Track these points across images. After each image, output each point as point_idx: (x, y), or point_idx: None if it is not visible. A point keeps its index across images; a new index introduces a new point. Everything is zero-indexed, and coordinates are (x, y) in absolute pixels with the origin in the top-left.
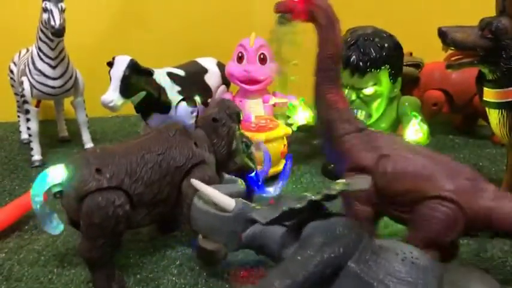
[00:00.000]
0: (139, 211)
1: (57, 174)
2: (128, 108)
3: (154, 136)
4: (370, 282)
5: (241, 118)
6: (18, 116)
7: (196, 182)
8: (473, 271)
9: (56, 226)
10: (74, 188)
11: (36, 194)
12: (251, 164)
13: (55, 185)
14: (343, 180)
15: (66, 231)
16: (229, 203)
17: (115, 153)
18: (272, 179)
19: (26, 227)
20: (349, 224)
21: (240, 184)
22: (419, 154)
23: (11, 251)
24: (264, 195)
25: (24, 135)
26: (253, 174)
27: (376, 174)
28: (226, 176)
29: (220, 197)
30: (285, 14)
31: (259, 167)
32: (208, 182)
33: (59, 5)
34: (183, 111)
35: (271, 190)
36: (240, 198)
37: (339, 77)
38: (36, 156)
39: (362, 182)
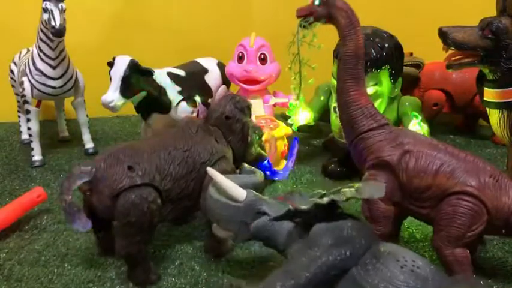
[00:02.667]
0: (167, 206)
1: (86, 172)
2: (128, 109)
3: (177, 133)
4: (363, 286)
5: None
6: (19, 116)
7: (211, 171)
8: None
9: (85, 223)
10: (107, 186)
11: (65, 191)
12: (264, 153)
13: (84, 183)
14: (357, 185)
15: (66, 231)
16: (240, 193)
17: (143, 151)
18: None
19: (26, 227)
20: (358, 226)
21: (259, 175)
22: (442, 151)
23: (12, 251)
24: (277, 178)
25: (25, 136)
26: (265, 161)
27: (398, 170)
28: (246, 166)
29: (232, 186)
30: (307, 17)
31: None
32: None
33: (59, 5)
34: (183, 111)
35: (282, 172)
36: (252, 190)
37: (362, 76)
38: (37, 156)
39: (375, 190)
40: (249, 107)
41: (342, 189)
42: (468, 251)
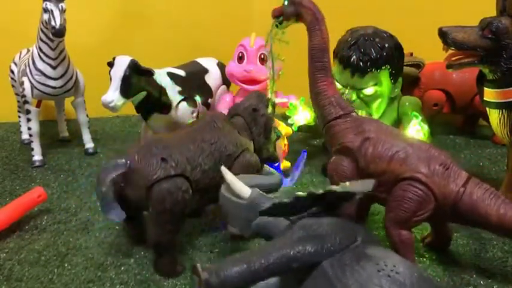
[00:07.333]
0: (195, 196)
1: (121, 164)
2: (128, 109)
3: (203, 126)
4: (335, 285)
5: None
6: (19, 116)
7: (223, 169)
8: None
9: (119, 214)
10: (142, 177)
11: (101, 183)
12: (277, 155)
13: (119, 175)
14: (347, 184)
15: (66, 231)
16: (245, 191)
17: (174, 144)
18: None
19: (26, 227)
20: (337, 225)
21: (278, 176)
22: (400, 140)
23: (12, 251)
24: (282, 185)
25: (25, 136)
26: (275, 164)
27: (358, 155)
28: (265, 167)
29: (238, 184)
30: (279, 17)
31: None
32: (254, 167)
33: (60, 5)
34: (183, 111)
35: (288, 180)
36: (257, 189)
37: (329, 67)
38: (37, 156)
39: (362, 186)
40: (274, 108)
41: (332, 187)
42: (413, 235)
